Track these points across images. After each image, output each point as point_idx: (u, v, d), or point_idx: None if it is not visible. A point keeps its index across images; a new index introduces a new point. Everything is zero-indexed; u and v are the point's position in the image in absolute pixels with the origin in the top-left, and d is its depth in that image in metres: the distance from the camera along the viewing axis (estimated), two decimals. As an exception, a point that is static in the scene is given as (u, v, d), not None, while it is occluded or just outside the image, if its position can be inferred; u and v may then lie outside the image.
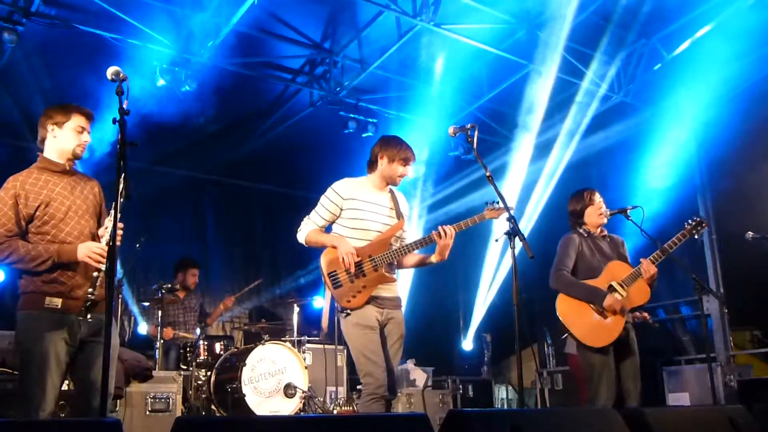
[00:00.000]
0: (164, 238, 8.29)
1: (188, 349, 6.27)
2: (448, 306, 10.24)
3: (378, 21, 6.62)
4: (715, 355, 6.93)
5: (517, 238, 3.39)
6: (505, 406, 9.21)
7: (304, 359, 5.92)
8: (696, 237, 4.21)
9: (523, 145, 8.06)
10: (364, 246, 3.57)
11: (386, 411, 3.40)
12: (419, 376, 7.44)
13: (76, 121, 3.08)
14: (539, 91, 7.34)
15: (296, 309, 6.49)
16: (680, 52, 7.10)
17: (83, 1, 5.83)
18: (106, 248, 2.86)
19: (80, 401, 2.97)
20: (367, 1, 6.01)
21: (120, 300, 5.27)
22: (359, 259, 3.50)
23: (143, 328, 6.70)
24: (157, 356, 5.79)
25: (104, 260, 2.88)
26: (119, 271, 5.88)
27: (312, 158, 8.41)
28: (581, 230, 4.32)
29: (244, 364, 5.53)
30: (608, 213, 4.29)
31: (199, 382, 5.94)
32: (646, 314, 4.53)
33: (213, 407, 5.79)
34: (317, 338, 6.75)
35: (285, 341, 6.01)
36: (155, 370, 5.32)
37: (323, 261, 3.56)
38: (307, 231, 3.67)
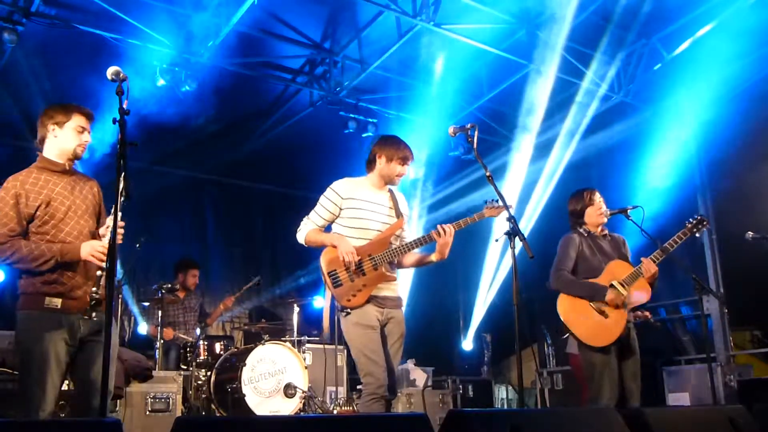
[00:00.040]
0: (164, 238, 8.29)
1: (188, 349, 6.27)
2: (448, 306, 10.24)
3: (378, 21, 6.62)
4: (715, 355, 6.93)
5: (517, 238, 3.39)
6: (505, 406, 9.21)
7: (304, 359, 5.92)
8: (697, 235, 4.21)
9: (523, 145, 8.06)
10: (363, 245, 3.57)
11: (386, 411, 3.40)
12: (419, 376, 7.44)
13: (77, 121, 3.08)
14: (539, 91, 7.34)
15: (296, 309, 6.49)
16: (680, 52, 7.11)
17: (83, 1, 5.83)
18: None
19: (80, 401, 2.97)
20: (367, 1, 6.01)
21: (120, 300, 5.27)
22: (359, 258, 3.51)
23: (143, 328, 6.71)
24: (157, 356, 5.80)
25: (105, 259, 2.88)
26: (119, 271, 5.88)
27: (312, 158, 8.41)
28: (581, 230, 4.32)
29: (244, 364, 5.53)
30: (608, 213, 4.30)
31: (199, 382, 5.94)
32: (647, 313, 4.54)
33: (213, 407, 5.79)
34: (317, 338, 6.75)
35: (285, 341, 6.01)
36: (155, 370, 5.32)
37: (323, 260, 3.56)
38: (306, 231, 3.67)
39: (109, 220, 2.73)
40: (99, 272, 2.95)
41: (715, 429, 2.82)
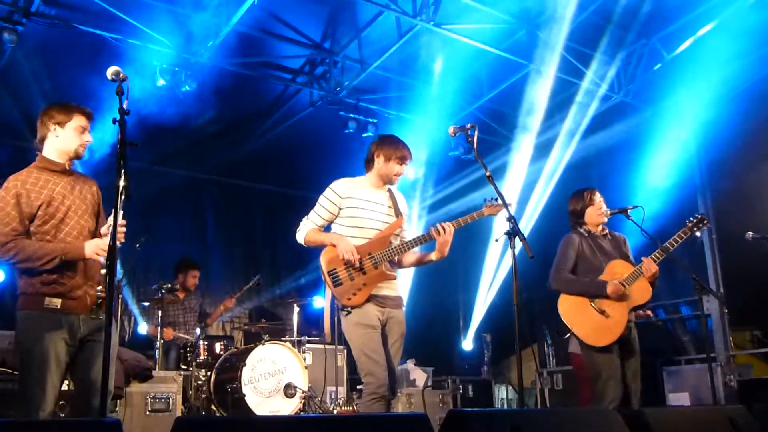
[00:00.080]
0: (164, 238, 8.29)
1: (188, 349, 6.28)
2: (448, 306, 10.24)
3: (378, 21, 6.62)
4: (715, 355, 6.93)
5: (517, 238, 3.39)
6: (505, 406, 9.21)
7: (304, 359, 5.92)
8: (697, 234, 4.21)
9: (523, 145, 8.06)
10: (363, 244, 3.57)
11: (386, 411, 3.40)
12: (419, 376, 7.44)
13: (78, 120, 3.08)
14: (539, 91, 7.34)
15: (296, 309, 6.49)
16: (680, 52, 7.10)
17: (83, 1, 5.83)
18: (117, 244, 2.87)
19: (80, 401, 2.97)
20: (367, 1, 6.01)
21: (120, 300, 5.27)
22: (359, 256, 3.51)
23: (143, 328, 6.71)
24: (157, 356, 5.80)
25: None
26: (119, 271, 5.88)
27: (312, 158, 8.41)
28: (582, 230, 4.32)
29: (244, 364, 5.53)
30: (608, 213, 4.30)
31: (199, 382, 5.94)
32: (649, 312, 4.53)
33: (213, 407, 5.79)
34: (317, 338, 6.75)
35: (285, 341, 6.01)
36: (155, 370, 5.32)
37: (323, 260, 3.56)
38: (305, 231, 3.68)
39: (111, 219, 2.73)
40: (104, 270, 2.95)
41: (715, 429, 2.82)
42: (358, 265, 3.49)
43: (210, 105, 7.35)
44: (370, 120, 7.91)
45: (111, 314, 2.54)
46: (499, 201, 3.57)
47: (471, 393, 8.00)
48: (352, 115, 7.80)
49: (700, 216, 4.20)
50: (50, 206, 2.99)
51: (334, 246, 3.54)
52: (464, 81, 7.61)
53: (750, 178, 6.93)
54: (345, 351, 6.74)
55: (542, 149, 8.14)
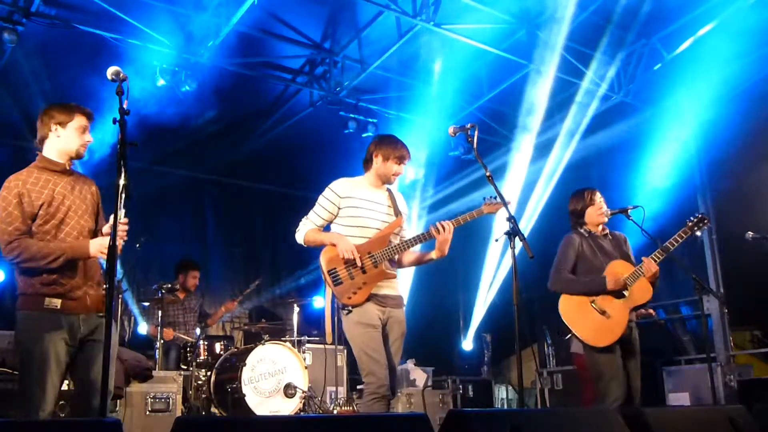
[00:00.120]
0: (164, 238, 8.29)
1: (188, 349, 6.28)
2: (448, 306, 10.24)
3: (378, 21, 6.62)
4: (715, 355, 6.93)
5: (517, 238, 3.39)
6: (505, 406, 9.21)
7: (304, 359, 5.92)
8: (698, 234, 4.21)
9: (523, 145, 8.06)
10: (363, 243, 3.58)
11: (386, 411, 3.40)
12: (419, 376, 7.43)
13: (79, 121, 3.08)
14: (539, 91, 7.34)
15: (296, 309, 6.49)
16: (680, 52, 7.10)
17: (83, 1, 5.83)
18: (121, 242, 2.87)
19: (80, 401, 2.97)
20: (367, 1, 6.01)
21: (120, 300, 5.27)
22: (359, 255, 3.51)
23: (143, 328, 6.71)
24: (157, 356, 5.80)
25: (119, 253, 2.89)
26: (119, 271, 5.88)
27: (312, 158, 8.41)
28: (582, 230, 4.32)
29: (244, 364, 5.53)
30: (609, 212, 4.30)
31: (199, 382, 5.94)
32: (651, 311, 4.53)
33: (213, 407, 5.79)
34: (317, 338, 6.75)
35: (285, 341, 6.01)
36: (155, 370, 5.32)
37: (323, 259, 3.56)
38: (305, 231, 3.68)
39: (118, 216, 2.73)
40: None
41: (715, 429, 2.82)
42: (359, 263, 3.49)
43: (210, 105, 7.35)
44: (370, 120, 7.91)
45: (111, 314, 2.54)
46: (498, 199, 3.58)
47: (471, 393, 8.00)
48: (352, 115, 7.80)
49: (700, 215, 4.20)
50: (51, 206, 2.99)
51: (333, 245, 3.54)
52: (464, 81, 7.61)
53: (750, 178, 6.93)
54: (345, 351, 6.74)
55: (542, 149, 8.14)
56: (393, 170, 3.71)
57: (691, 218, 4.20)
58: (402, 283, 3.91)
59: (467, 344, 9.70)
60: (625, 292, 4.05)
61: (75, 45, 6.13)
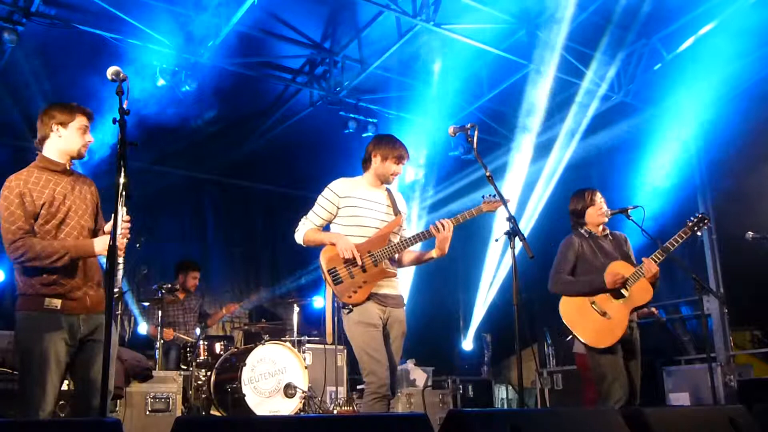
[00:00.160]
0: (164, 238, 8.29)
1: (188, 349, 6.28)
2: (448, 306, 10.24)
3: (378, 21, 6.61)
4: (715, 355, 6.93)
5: (517, 238, 3.39)
6: (505, 406, 9.20)
7: (304, 359, 5.92)
8: (698, 234, 4.21)
9: (524, 145, 8.06)
10: (363, 242, 3.58)
11: (386, 410, 3.40)
12: (419, 376, 7.43)
13: (81, 121, 3.08)
14: (539, 91, 7.33)
15: (296, 309, 6.49)
16: (680, 52, 7.10)
17: (83, 1, 5.83)
18: (124, 241, 2.88)
19: (80, 401, 2.97)
20: (367, 1, 6.01)
21: (120, 300, 5.27)
22: (359, 254, 3.51)
23: (143, 328, 6.71)
24: (157, 356, 5.80)
25: (123, 252, 2.90)
26: (121, 270, 5.88)
27: (312, 158, 8.41)
28: (582, 231, 4.32)
29: (244, 364, 5.53)
30: (609, 213, 4.30)
31: (199, 382, 5.94)
32: (654, 309, 4.53)
33: (213, 407, 5.79)
34: (317, 338, 6.75)
35: (285, 341, 6.01)
36: (155, 370, 5.32)
37: (323, 258, 3.57)
38: (304, 231, 3.69)
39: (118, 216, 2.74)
40: (120, 272, 2.95)
41: (715, 429, 2.82)
42: (359, 262, 3.49)
43: (210, 105, 7.35)
44: (370, 120, 7.91)
45: (111, 314, 2.54)
46: (497, 197, 3.58)
47: (471, 393, 8.00)
48: (352, 115, 7.80)
49: (700, 215, 4.20)
50: (52, 206, 2.99)
51: (333, 245, 3.55)
52: (464, 81, 7.61)
53: (750, 178, 6.93)
54: (345, 351, 6.74)
55: (542, 149, 8.14)
56: (391, 170, 3.71)
57: (692, 218, 4.20)
58: (402, 283, 3.91)
59: (467, 344, 9.70)
60: (625, 293, 4.05)
61: (75, 45, 6.13)
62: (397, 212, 3.75)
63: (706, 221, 4.19)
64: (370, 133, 7.79)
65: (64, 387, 3.34)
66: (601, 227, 4.32)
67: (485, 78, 7.84)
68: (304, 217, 3.73)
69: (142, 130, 5.93)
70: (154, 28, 6.06)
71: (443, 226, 3.58)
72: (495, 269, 9.06)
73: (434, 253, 3.69)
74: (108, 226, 3.06)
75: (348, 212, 3.64)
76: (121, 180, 2.61)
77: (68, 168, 3.12)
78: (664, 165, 7.50)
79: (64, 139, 3.05)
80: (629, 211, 4.30)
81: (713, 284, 7.33)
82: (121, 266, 2.93)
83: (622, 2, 6.50)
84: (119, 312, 5.78)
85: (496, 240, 7.79)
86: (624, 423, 2.54)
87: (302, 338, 6.35)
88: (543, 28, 6.73)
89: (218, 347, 6.19)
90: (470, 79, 7.67)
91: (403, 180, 8.61)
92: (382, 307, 3.54)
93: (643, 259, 4.09)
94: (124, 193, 2.63)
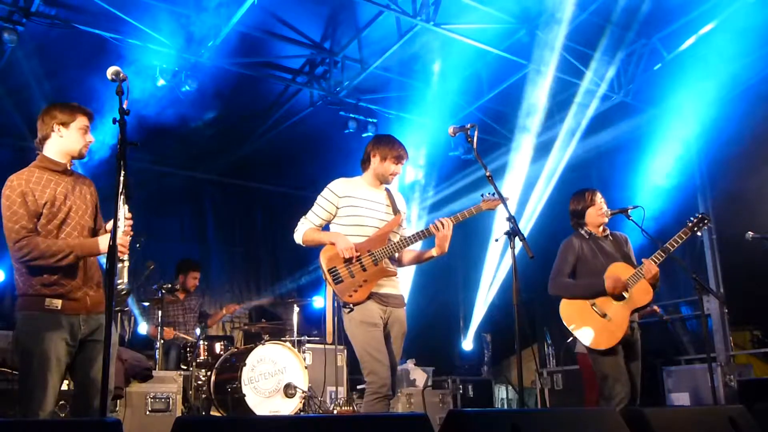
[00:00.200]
0: (164, 238, 8.29)
1: (188, 349, 6.28)
2: (448, 306, 10.24)
3: (378, 21, 6.61)
4: (715, 355, 6.92)
5: (517, 238, 3.40)
6: (505, 406, 9.20)
7: (304, 359, 5.92)
8: (698, 234, 4.21)
9: (524, 145, 8.06)
10: (362, 242, 3.58)
11: (387, 410, 3.40)
12: (419, 376, 7.44)
13: (82, 121, 3.09)
14: (539, 91, 7.33)
15: (296, 309, 6.49)
16: (680, 52, 7.10)
17: (83, 1, 5.82)
18: (128, 239, 2.88)
19: (80, 401, 2.97)
20: (367, 1, 6.00)
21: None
22: (358, 254, 3.52)
23: (143, 328, 6.71)
24: (157, 356, 5.80)
25: (127, 250, 2.90)
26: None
27: (312, 158, 8.41)
28: (582, 231, 4.32)
29: (244, 364, 5.53)
30: (609, 213, 4.30)
31: (199, 382, 5.94)
32: (656, 307, 4.52)
33: (213, 407, 5.79)
34: (317, 338, 6.75)
35: (285, 341, 6.01)
36: (155, 370, 5.32)
37: (323, 258, 3.57)
38: (303, 230, 3.69)
39: (117, 217, 2.74)
40: (120, 264, 2.95)
41: (715, 429, 2.82)
42: (361, 257, 3.49)
43: (210, 105, 7.35)
44: (370, 120, 7.91)
45: (111, 314, 2.54)
46: (496, 195, 3.59)
47: (471, 393, 7.99)
48: (352, 115, 7.79)
49: (700, 215, 4.20)
50: (53, 206, 2.99)
51: (333, 244, 3.55)
52: (464, 81, 7.61)
53: (750, 178, 6.93)
54: (345, 351, 6.74)
55: (542, 149, 8.13)
56: (390, 170, 3.71)
57: (692, 218, 4.20)
58: (402, 283, 3.91)
59: (467, 344, 9.70)
60: (626, 294, 4.05)
61: (75, 45, 6.13)
62: (396, 212, 3.75)
63: (706, 221, 4.19)
64: (370, 133, 7.79)
65: (64, 387, 3.34)
66: (601, 228, 4.32)
67: (485, 78, 7.84)
68: (303, 217, 3.74)
69: (142, 130, 5.94)
70: (154, 28, 6.06)
71: (443, 224, 3.60)
72: (495, 269, 9.06)
73: (434, 252, 3.70)
74: (110, 225, 3.06)
75: (347, 212, 3.64)
76: (122, 180, 2.61)
77: (69, 168, 3.12)
78: (664, 165, 7.49)
79: (65, 140, 3.06)
80: (629, 211, 4.30)
81: (713, 284, 7.32)
82: (126, 263, 2.94)
83: (622, 2, 6.50)
84: (127, 308, 5.81)
85: (496, 240, 7.78)
86: (624, 423, 2.54)
87: (302, 338, 6.36)
88: (543, 28, 6.72)
89: (218, 347, 6.19)
90: (470, 79, 7.67)
91: (403, 180, 8.62)
92: (383, 307, 3.54)
93: (643, 260, 4.09)
94: (124, 192, 2.63)
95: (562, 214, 4.63)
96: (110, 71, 2.76)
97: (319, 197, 3.71)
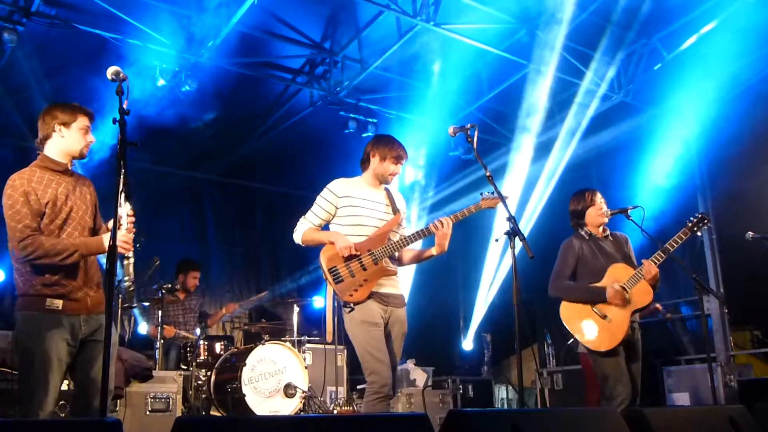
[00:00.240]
0: (164, 238, 8.28)
1: (188, 349, 6.28)
2: (448, 306, 10.24)
3: (378, 21, 6.61)
4: (715, 355, 6.92)
5: (517, 238, 3.40)
6: (505, 406, 9.20)
7: (304, 359, 5.93)
8: (698, 234, 4.21)
9: (524, 145, 8.06)
10: (362, 241, 3.59)
11: (387, 410, 3.40)
12: (419, 376, 7.44)
13: (83, 121, 3.09)
14: (539, 91, 7.33)
15: (296, 309, 6.49)
16: (681, 52, 7.09)
17: (83, 1, 5.82)
18: (131, 236, 2.88)
19: (80, 401, 2.97)
20: (367, 1, 6.00)
21: (120, 300, 5.27)
22: (358, 253, 3.52)
23: (143, 328, 6.71)
24: (157, 356, 5.80)
25: (132, 247, 2.90)
26: (122, 273, 5.88)
27: (312, 158, 8.40)
28: (582, 232, 4.31)
29: (244, 364, 5.53)
30: (609, 213, 4.30)
31: (199, 382, 5.94)
32: (658, 305, 4.52)
33: (213, 407, 5.79)
34: (317, 338, 6.75)
35: (285, 341, 6.01)
36: (155, 370, 5.32)
37: (323, 258, 3.58)
38: (302, 230, 3.70)
39: (121, 212, 2.74)
40: (125, 261, 2.95)
41: (715, 429, 2.82)
42: (356, 258, 3.49)
43: (210, 105, 7.35)
44: (370, 120, 7.91)
45: (111, 314, 2.54)
46: (495, 193, 3.59)
47: (471, 393, 7.99)
48: (352, 115, 7.80)
49: (700, 215, 4.20)
50: (55, 205, 2.99)
51: (332, 244, 3.55)
52: (464, 81, 7.61)
53: (750, 178, 6.93)
54: (345, 351, 6.74)
55: (542, 149, 8.13)
56: (390, 170, 3.72)
57: (692, 218, 4.20)
58: (402, 283, 3.91)
59: (467, 344, 9.70)
60: (627, 295, 4.05)
61: (75, 45, 6.13)
62: (396, 211, 3.76)
63: (706, 221, 4.19)
64: (370, 133, 7.79)
65: (64, 387, 3.34)
66: (601, 228, 4.32)
67: (485, 78, 7.84)
68: (303, 217, 3.74)
69: (142, 130, 5.94)
70: (154, 28, 6.06)
71: (442, 223, 3.60)
72: (495, 269, 9.06)
73: (434, 251, 3.71)
74: (110, 224, 3.07)
75: (347, 212, 3.64)
76: (122, 180, 2.61)
77: (69, 168, 3.13)
78: (664, 165, 7.49)
79: (66, 140, 3.06)
80: (629, 211, 4.30)
81: (713, 284, 7.32)
82: (132, 260, 2.94)
83: (622, 2, 6.50)
84: (135, 304, 5.81)
85: (496, 240, 7.78)
86: (624, 423, 2.55)
87: (302, 338, 6.36)
88: (543, 28, 6.72)
89: (218, 347, 6.20)
90: (470, 79, 7.67)
91: (403, 180, 8.62)
92: (383, 306, 3.54)
93: (642, 260, 4.09)
94: (124, 192, 2.63)
95: (562, 214, 4.63)
96: (110, 71, 2.76)
97: (318, 197, 3.71)
